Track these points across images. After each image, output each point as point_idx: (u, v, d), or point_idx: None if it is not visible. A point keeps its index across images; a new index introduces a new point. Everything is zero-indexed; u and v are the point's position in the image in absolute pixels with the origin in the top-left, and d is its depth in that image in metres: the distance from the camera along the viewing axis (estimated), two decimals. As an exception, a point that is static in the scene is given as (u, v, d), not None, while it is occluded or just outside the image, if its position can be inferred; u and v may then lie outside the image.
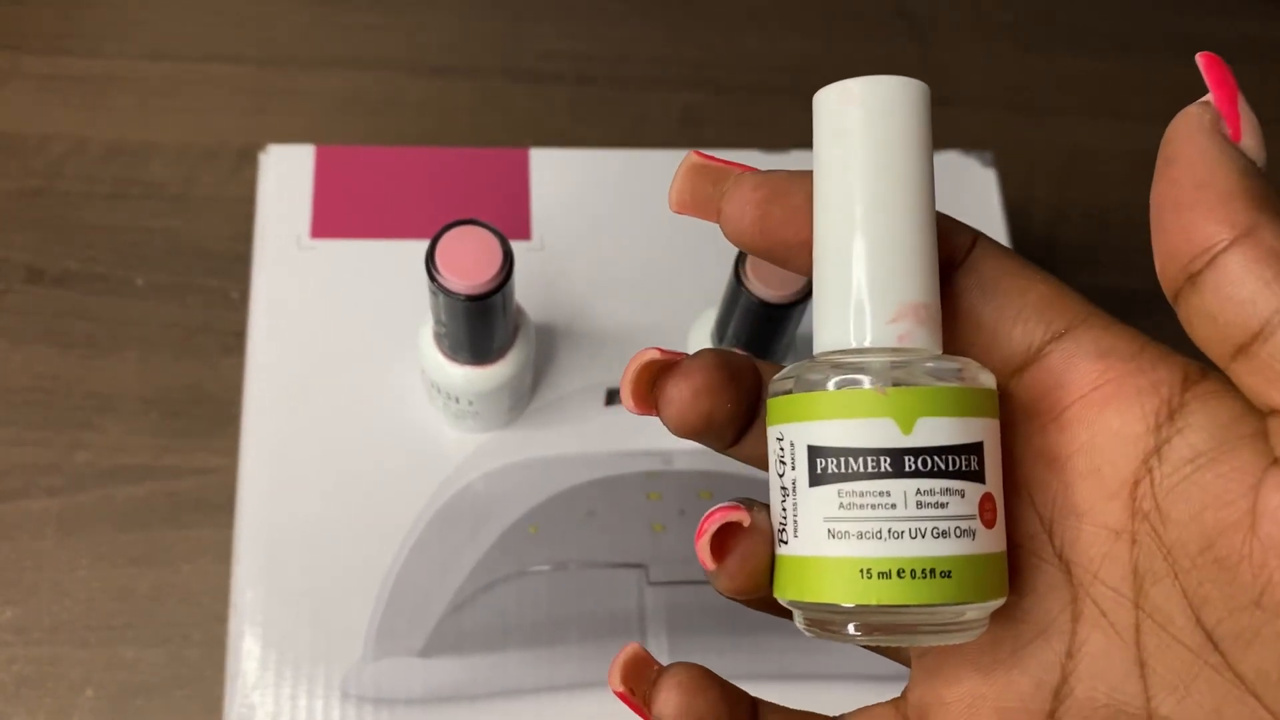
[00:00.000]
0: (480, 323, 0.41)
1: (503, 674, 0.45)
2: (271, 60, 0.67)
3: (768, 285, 0.39)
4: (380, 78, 0.67)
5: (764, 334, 0.42)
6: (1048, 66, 0.73)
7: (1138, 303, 0.65)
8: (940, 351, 0.23)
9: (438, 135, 0.66)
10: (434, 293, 0.40)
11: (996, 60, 0.73)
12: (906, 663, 0.27)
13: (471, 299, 0.39)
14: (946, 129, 0.69)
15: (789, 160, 0.55)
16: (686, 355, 0.24)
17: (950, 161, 0.56)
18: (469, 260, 0.39)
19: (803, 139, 0.67)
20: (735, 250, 0.40)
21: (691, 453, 0.49)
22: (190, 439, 0.58)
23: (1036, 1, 0.75)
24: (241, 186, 0.63)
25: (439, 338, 0.43)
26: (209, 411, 0.58)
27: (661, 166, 0.55)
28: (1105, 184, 0.69)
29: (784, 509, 0.23)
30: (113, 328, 0.60)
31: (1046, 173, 0.69)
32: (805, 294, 0.40)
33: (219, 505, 0.56)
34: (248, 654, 0.45)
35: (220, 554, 0.55)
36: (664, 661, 0.45)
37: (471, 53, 0.69)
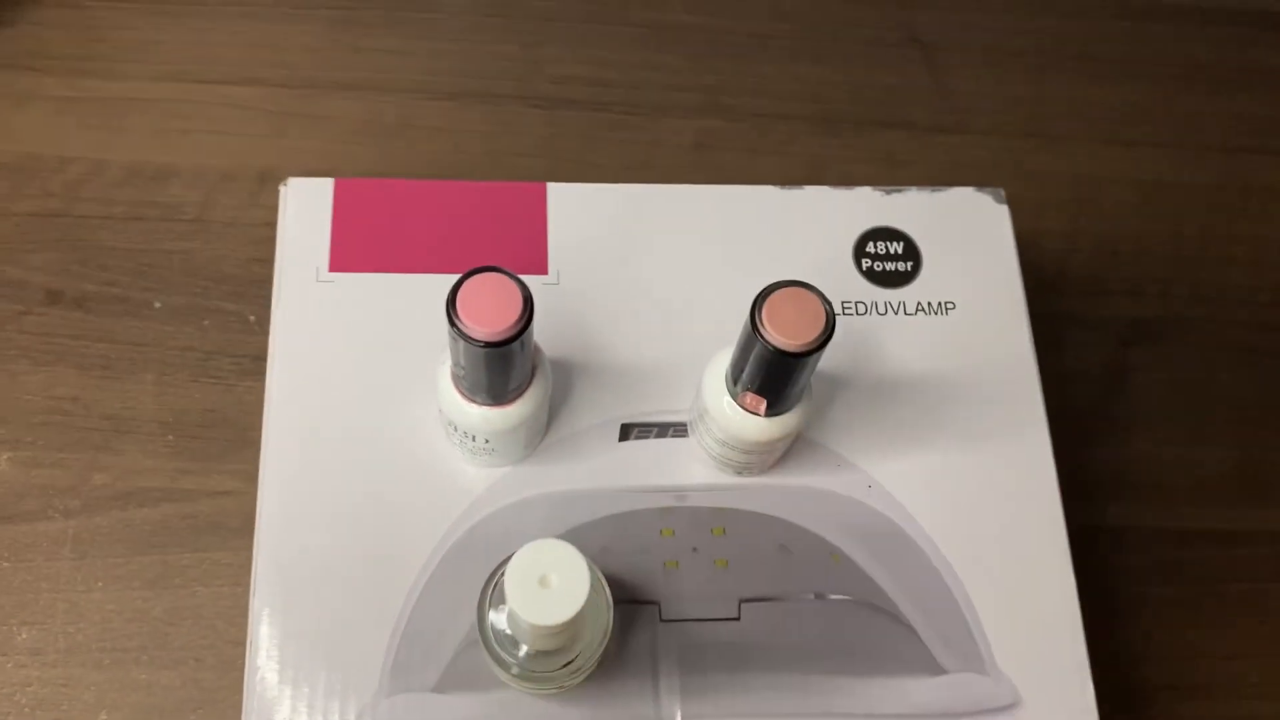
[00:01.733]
0: (500, 367, 0.41)
1: (517, 711, 0.45)
2: (289, 84, 0.68)
3: (783, 334, 0.40)
4: (396, 102, 0.68)
5: (778, 380, 0.42)
6: (1059, 94, 0.73)
7: (1148, 330, 0.66)
8: None
9: (452, 159, 0.67)
10: (454, 338, 0.40)
11: (1007, 87, 0.73)
12: None
13: (491, 345, 0.39)
14: (957, 156, 0.70)
15: (804, 195, 0.56)
16: None
17: (963, 198, 0.56)
18: (490, 308, 0.39)
19: (813, 166, 0.67)
20: (753, 289, 0.41)
21: (705, 489, 0.50)
22: (206, 462, 0.58)
23: (1048, 28, 0.75)
24: (259, 210, 0.64)
25: (457, 379, 0.44)
26: (225, 435, 0.59)
27: (678, 201, 0.55)
28: (1116, 212, 0.70)
29: None
30: (130, 350, 0.60)
31: (1057, 201, 0.70)
32: (820, 343, 0.40)
33: (235, 529, 0.57)
34: (264, 689, 0.45)
35: (235, 577, 0.56)
36: (675, 702, 0.46)
37: (486, 78, 0.69)
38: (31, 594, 0.55)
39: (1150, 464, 0.63)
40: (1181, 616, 0.60)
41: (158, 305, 0.61)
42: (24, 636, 0.54)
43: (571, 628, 0.38)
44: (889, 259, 0.54)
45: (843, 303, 0.54)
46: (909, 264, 0.54)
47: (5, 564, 0.56)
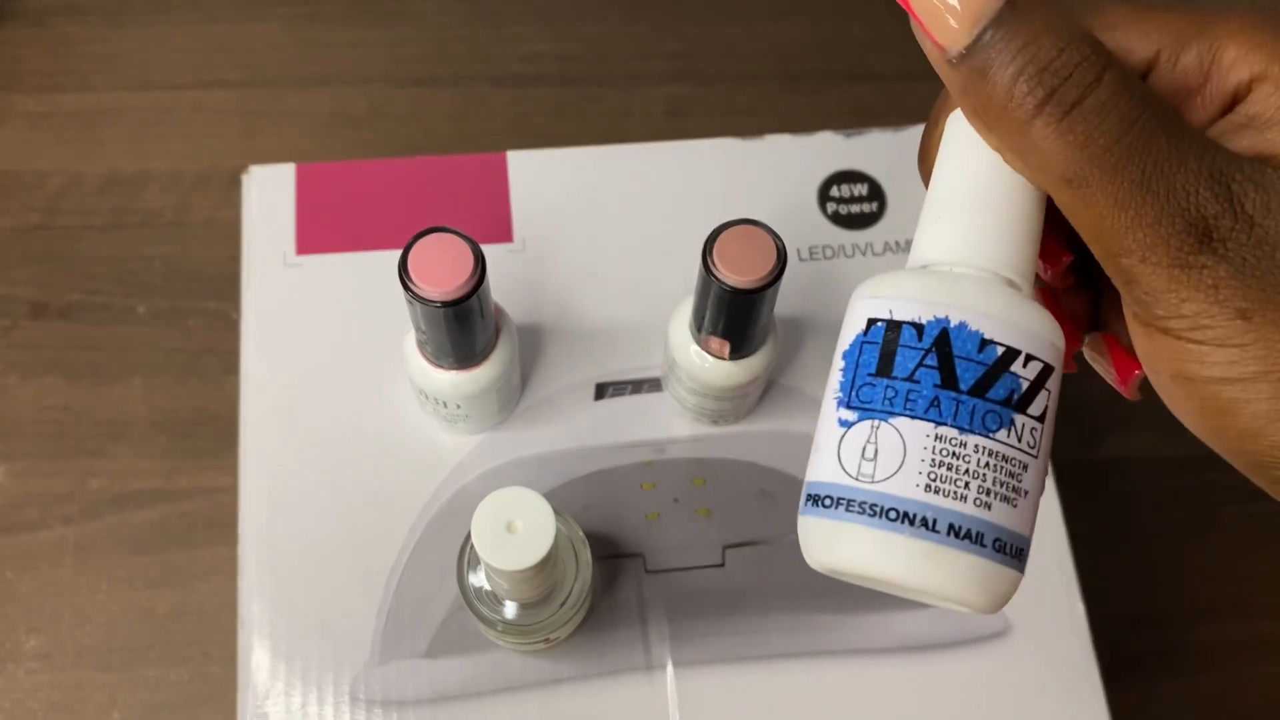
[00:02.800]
0: (459, 327, 0.42)
1: (507, 670, 0.46)
2: (256, 83, 0.68)
3: (734, 272, 0.40)
4: (364, 92, 0.68)
5: (738, 320, 0.42)
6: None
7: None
8: None
9: (424, 145, 0.67)
10: (410, 302, 0.40)
11: (978, 31, 0.73)
12: None
13: (448, 305, 0.40)
14: (926, 103, 0.69)
15: (764, 145, 0.56)
16: None
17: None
18: (441, 267, 0.39)
19: (785, 124, 0.67)
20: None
21: (684, 441, 0.50)
22: (199, 460, 0.59)
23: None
24: (234, 209, 0.64)
25: (421, 345, 0.44)
26: (216, 431, 0.59)
27: (638, 159, 0.55)
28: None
29: None
30: (118, 356, 0.61)
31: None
32: (773, 278, 0.40)
33: (231, 523, 0.57)
34: (257, 666, 0.46)
35: (235, 571, 0.56)
36: (665, 650, 0.46)
37: (453, 61, 0.70)
38: (37, 601, 0.56)
39: (1147, 392, 0.63)
40: (1186, 542, 0.60)
41: (142, 310, 0.62)
42: (32, 643, 0.55)
43: (545, 572, 0.38)
44: (854, 201, 0.54)
45: (810, 247, 0.53)
46: (874, 205, 0.54)
47: (9, 574, 0.56)
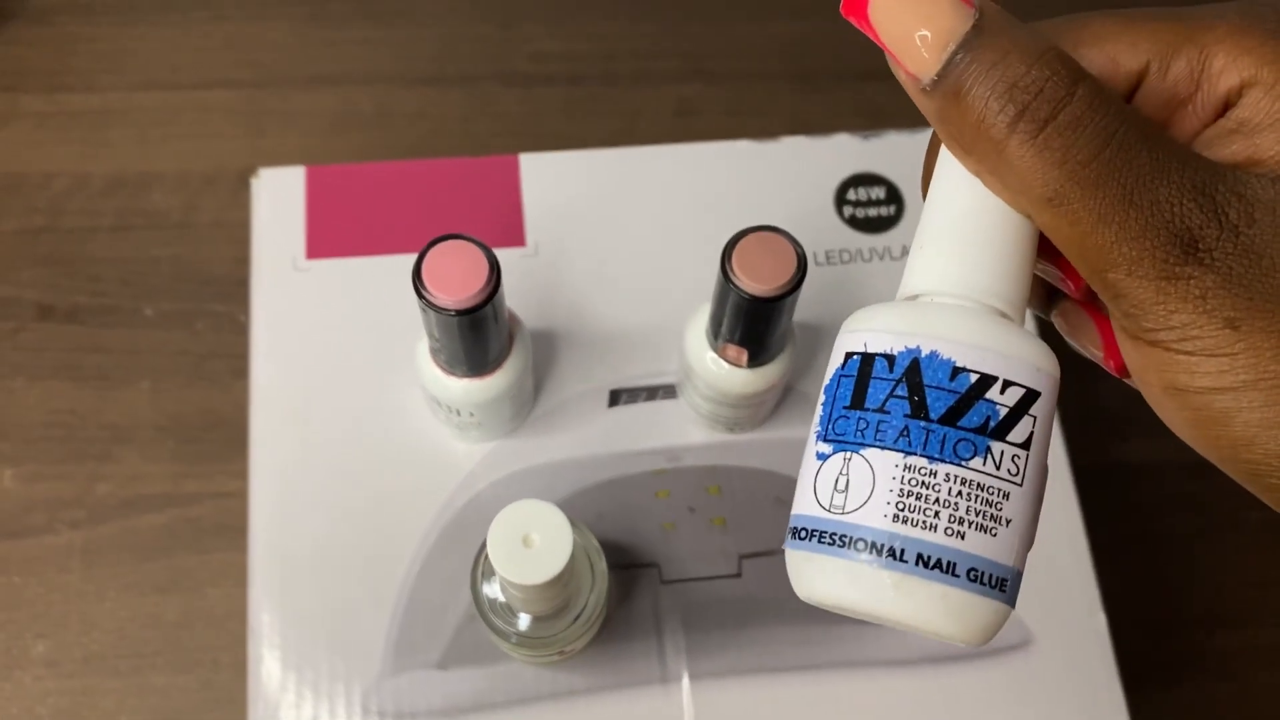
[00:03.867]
0: (473, 335, 0.41)
1: (521, 682, 0.45)
2: (263, 82, 0.67)
3: (755, 280, 0.39)
4: (372, 91, 0.68)
5: (756, 328, 0.42)
6: (1044, 31, 0.72)
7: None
8: None
9: (432, 145, 0.66)
10: (424, 309, 0.40)
11: (991, 30, 0.72)
12: None
13: (462, 313, 0.39)
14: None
15: (779, 148, 0.55)
16: None
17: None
18: (456, 275, 0.39)
19: (796, 124, 0.67)
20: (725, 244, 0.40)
21: (698, 448, 0.49)
22: (207, 464, 0.58)
23: (1029, -33, 0.74)
24: (242, 210, 0.64)
25: (434, 353, 0.44)
26: (224, 435, 0.59)
27: (652, 162, 0.55)
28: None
29: None
30: (125, 358, 0.60)
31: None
32: (793, 286, 0.40)
33: (240, 528, 0.57)
34: (268, 677, 0.45)
35: (244, 577, 0.56)
36: (681, 661, 0.45)
37: (461, 60, 0.69)
38: (44, 607, 0.55)
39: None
40: (1204, 547, 0.59)
41: (149, 312, 0.61)
42: (40, 649, 0.55)
43: (560, 586, 0.38)
44: (871, 205, 0.54)
45: (827, 251, 0.53)
46: (892, 208, 0.54)
47: (16, 579, 0.56)
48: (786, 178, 0.54)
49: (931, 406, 0.26)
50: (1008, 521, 0.26)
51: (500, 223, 0.52)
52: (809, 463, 0.28)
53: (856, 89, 0.69)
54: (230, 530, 0.57)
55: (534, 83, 0.69)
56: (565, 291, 0.51)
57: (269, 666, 0.45)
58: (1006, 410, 0.26)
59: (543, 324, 0.51)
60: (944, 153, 0.28)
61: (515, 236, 0.52)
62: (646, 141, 0.66)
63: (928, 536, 0.25)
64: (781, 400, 0.50)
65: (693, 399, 0.48)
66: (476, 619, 0.43)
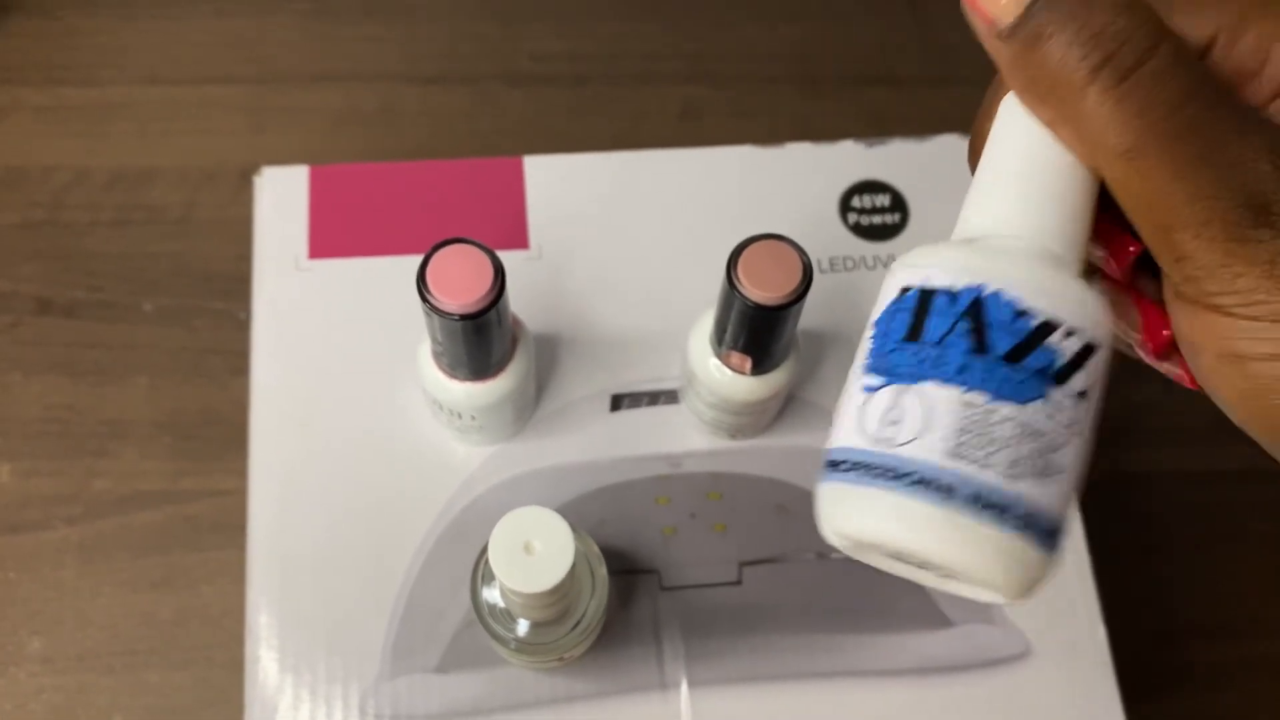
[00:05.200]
0: (477, 339, 0.41)
1: (519, 687, 0.45)
2: (266, 79, 0.67)
3: (761, 288, 0.39)
4: (376, 89, 0.67)
5: (760, 336, 0.42)
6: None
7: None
8: None
9: (436, 144, 0.66)
10: (428, 313, 0.40)
11: (997, 35, 0.72)
12: None
13: (466, 317, 0.39)
14: (947, 108, 0.69)
15: (784, 153, 0.55)
16: None
17: (948, 146, 0.55)
18: (460, 279, 0.39)
19: (801, 127, 0.66)
20: (732, 249, 0.40)
21: (700, 455, 0.49)
22: (204, 461, 0.58)
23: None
24: (243, 207, 0.63)
25: (437, 356, 0.43)
26: (221, 433, 0.59)
27: (656, 166, 0.54)
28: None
29: None
30: (123, 354, 0.60)
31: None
32: (799, 294, 0.39)
33: (236, 526, 0.56)
34: (265, 678, 0.45)
35: (240, 575, 0.55)
36: (680, 668, 0.45)
37: (466, 59, 0.69)
38: (39, 603, 0.55)
39: (1167, 407, 0.62)
40: (1204, 558, 0.59)
41: (147, 308, 0.61)
42: (35, 645, 0.54)
43: (561, 594, 0.38)
44: (875, 212, 0.53)
45: (830, 258, 0.53)
46: (896, 216, 0.54)
47: (11, 574, 0.56)
48: (791, 184, 0.54)
49: (994, 345, 0.25)
50: (1061, 471, 0.25)
51: (504, 225, 0.52)
52: (854, 395, 0.27)
53: (861, 94, 0.69)
54: (226, 528, 0.57)
55: (538, 82, 0.69)
56: (568, 295, 0.51)
57: (266, 667, 0.45)
58: (1067, 359, 0.25)
59: (545, 328, 0.50)
60: (1007, 107, 0.28)
61: (519, 239, 0.52)
62: (650, 143, 0.66)
63: (984, 476, 0.24)
64: (784, 408, 0.50)
65: (695, 405, 0.48)
66: (475, 623, 0.43)
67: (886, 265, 0.53)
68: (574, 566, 0.36)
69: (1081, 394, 0.26)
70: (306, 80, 0.67)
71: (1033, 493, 0.25)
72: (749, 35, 0.71)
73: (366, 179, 0.53)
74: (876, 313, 0.28)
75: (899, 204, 0.54)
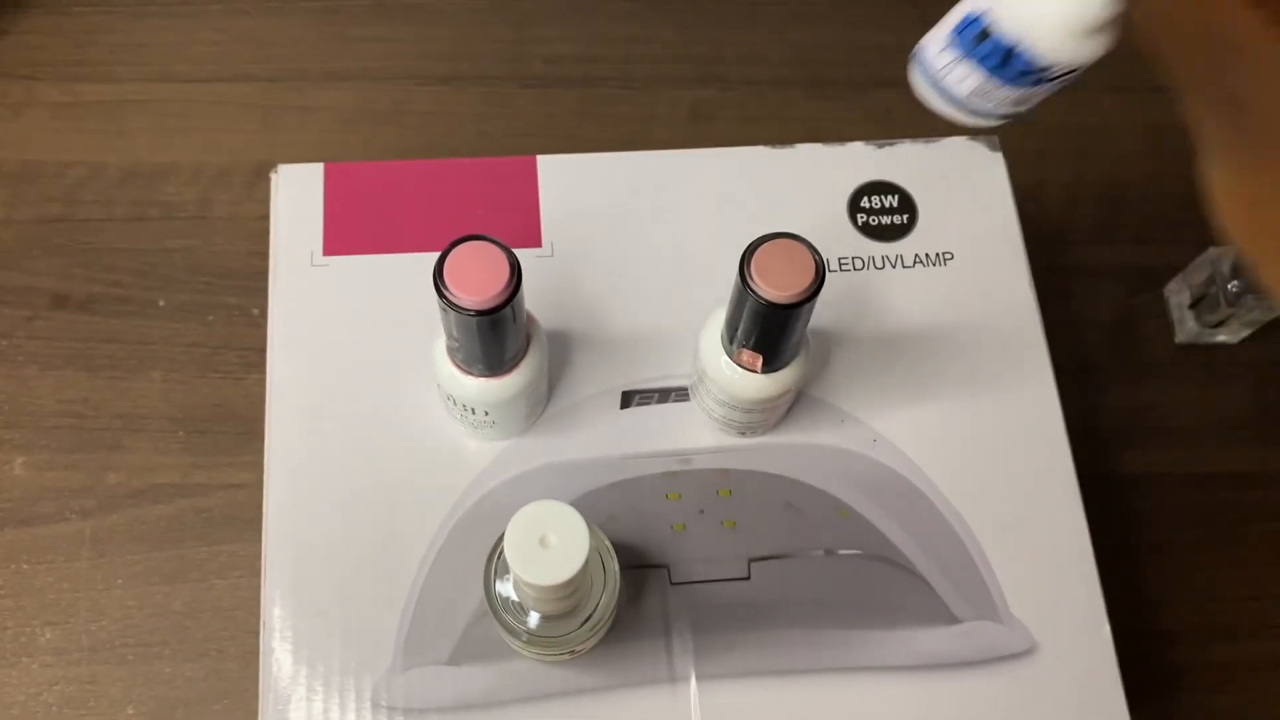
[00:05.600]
0: (492, 336, 0.41)
1: (530, 680, 0.46)
2: (280, 77, 0.68)
3: (773, 286, 0.40)
4: (388, 89, 0.68)
5: (772, 334, 0.42)
6: (1056, 44, 0.72)
7: (1155, 277, 0.65)
8: None
9: (447, 144, 0.67)
10: (444, 309, 0.40)
11: (1004, 40, 0.72)
12: None
13: (482, 314, 0.39)
14: (955, 113, 0.69)
15: (795, 155, 0.55)
16: None
17: (956, 148, 0.56)
18: (477, 276, 0.39)
19: (810, 130, 0.67)
20: (742, 249, 0.41)
21: (709, 452, 0.49)
22: (218, 456, 0.59)
23: (1043, -21, 0.74)
24: (257, 203, 0.64)
25: (452, 351, 0.44)
26: (235, 428, 0.59)
27: (668, 166, 0.55)
28: (1119, 159, 0.69)
29: None
30: (137, 349, 0.61)
31: (1058, 151, 0.69)
32: (811, 293, 0.40)
33: (249, 520, 0.57)
34: (279, 670, 0.46)
35: (252, 568, 0.56)
36: (689, 663, 0.46)
37: (478, 60, 0.69)
38: (53, 595, 0.56)
39: (1167, 409, 0.63)
40: (1205, 559, 0.60)
41: (162, 304, 0.62)
42: (48, 637, 0.55)
43: (575, 588, 0.38)
44: (884, 213, 0.54)
45: (840, 258, 0.53)
46: (904, 216, 0.54)
47: (25, 566, 0.56)
48: (801, 184, 0.54)
49: (1011, 65, 0.44)
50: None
51: (517, 223, 0.53)
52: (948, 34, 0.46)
53: (869, 97, 0.70)
54: (239, 522, 0.57)
55: (549, 84, 0.69)
56: (580, 293, 0.52)
57: (280, 659, 0.46)
58: (1048, 80, 0.45)
59: (557, 325, 0.51)
60: None
61: (531, 237, 0.52)
62: (660, 144, 0.67)
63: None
64: (793, 405, 0.50)
65: (705, 403, 0.48)
66: (487, 616, 0.44)
67: (895, 265, 0.53)
68: (588, 560, 0.37)
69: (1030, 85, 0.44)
70: (320, 79, 0.68)
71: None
72: (759, 39, 0.71)
73: (381, 176, 0.53)
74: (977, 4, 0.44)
75: (907, 205, 0.54)
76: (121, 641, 0.55)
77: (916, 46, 0.48)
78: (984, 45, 0.44)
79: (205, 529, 0.57)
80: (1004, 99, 0.46)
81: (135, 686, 0.54)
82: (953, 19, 0.45)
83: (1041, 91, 0.46)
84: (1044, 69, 0.44)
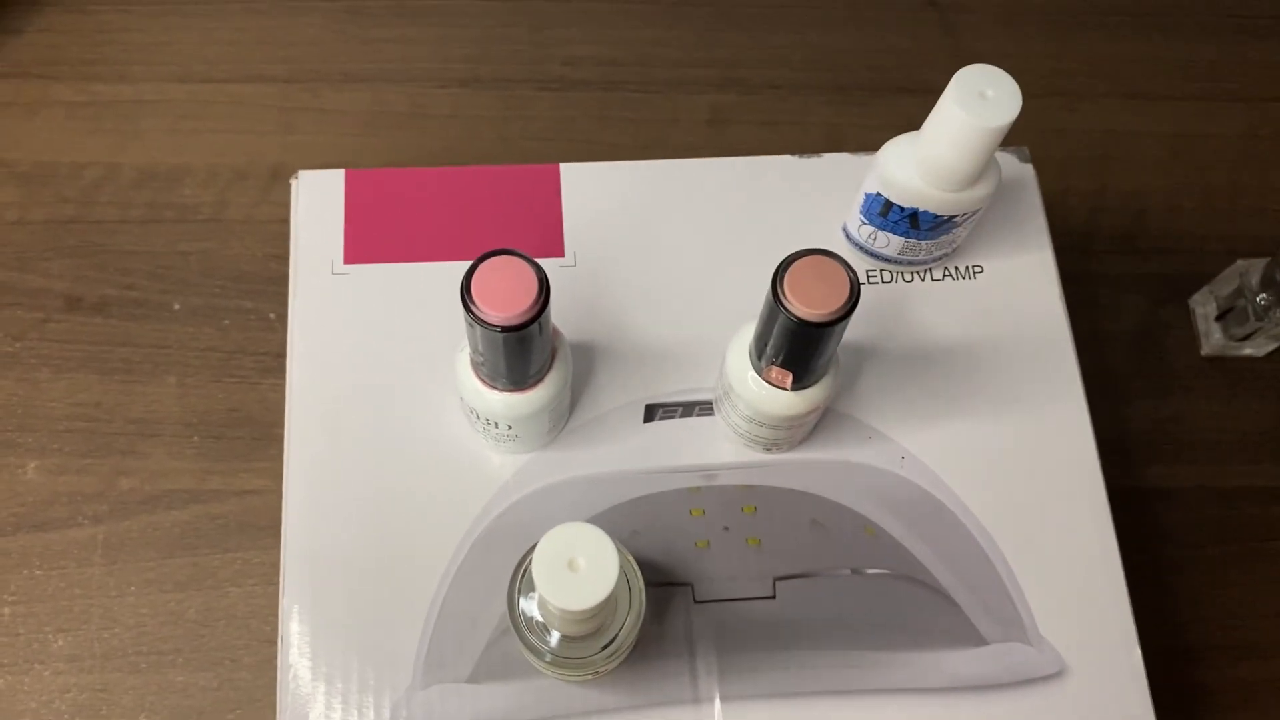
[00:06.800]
0: (518, 351, 0.41)
1: (551, 699, 0.45)
2: (298, 78, 0.67)
3: (806, 305, 0.39)
4: (407, 91, 0.67)
5: (803, 352, 0.41)
6: (1079, 50, 0.72)
7: (1180, 287, 0.65)
8: None
9: (466, 147, 0.66)
10: (470, 324, 0.39)
11: (1026, 44, 0.72)
12: None
13: (509, 330, 0.39)
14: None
15: (822, 164, 0.55)
16: None
17: (986, 160, 0.55)
18: (505, 291, 0.38)
19: (830, 136, 0.66)
20: (774, 261, 0.40)
21: (734, 468, 0.49)
22: (232, 461, 0.58)
23: (1066, -16, 0.74)
24: (273, 206, 0.63)
25: (476, 365, 0.43)
26: (250, 433, 0.58)
27: (693, 175, 0.54)
28: (1144, 168, 0.68)
29: None
30: (151, 353, 0.60)
31: (1083, 159, 0.68)
32: (846, 312, 0.39)
33: (264, 527, 0.57)
34: (297, 685, 0.45)
35: (267, 576, 0.56)
36: (713, 684, 0.45)
37: (497, 63, 0.69)
38: (65, 601, 0.55)
39: (1192, 422, 0.62)
40: (1230, 576, 0.59)
41: (177, 307, 0.61)
42: (60, 643, 0.54)
43: (602, 612, 0.37)
44: (912, 225, 0.53)
45: (867, 271, 0.53)
46: (933, 229, 0.53)
47: (38, 572, 0.56)
48: (828, 194, 0.54)
49: (920, 224, 0.49)
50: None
51: (540, 232, 0.52)
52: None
53: (892, 103, 0.69)
54: (253, 529, 0.57)
55: (568, 86, 0.68)
56: (603, 304, 0.51)
57: (299, 675, 0.45)
58: (953, 228, 0.50)
59: (580, 336, 0.50)
60: None
61: (554, 247, 0.52)
62: (679, 148, 0.66)
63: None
64: (820, 421, 0.50)
65: (731, 418, 0.47)
66: (508, 633, 0.43)
67: (924, 279, 0.53)
68: (617, 586, 0.36)
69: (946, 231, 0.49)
70: (337, 80, 0.67)
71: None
72: (779, 43, 0.71)
73: (402, 184, 0.53)
74: (870, 186, 0.49)
75: (935, 217, 0.54)
76: (134, 649, 0.55)
77: (842, 224, 0.53)
78: (891, 215, 0.49)
79: (219, 535, 0.57)
80: (929, 248, 0.51)
81: (148, 695, 0.54)
82: (859, 199, 0.50)
83: (962, 232, 0.50)
84: (950, 219, 0.48)
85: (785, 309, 0.39)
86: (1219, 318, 0.62)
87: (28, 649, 0.54)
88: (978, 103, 0.43)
